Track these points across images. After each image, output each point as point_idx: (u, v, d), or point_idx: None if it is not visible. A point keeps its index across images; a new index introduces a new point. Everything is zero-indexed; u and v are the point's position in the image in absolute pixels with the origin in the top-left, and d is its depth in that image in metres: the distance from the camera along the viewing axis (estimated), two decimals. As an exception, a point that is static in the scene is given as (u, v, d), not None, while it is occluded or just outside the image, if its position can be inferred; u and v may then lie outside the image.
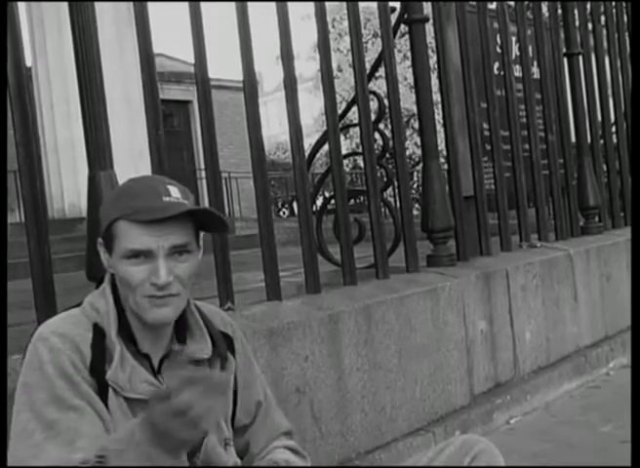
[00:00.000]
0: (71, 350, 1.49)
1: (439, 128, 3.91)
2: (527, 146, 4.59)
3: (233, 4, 2.95)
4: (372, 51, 17.66)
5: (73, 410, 1.45)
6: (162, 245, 1.49)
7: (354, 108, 3.54)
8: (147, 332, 1.58)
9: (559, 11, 5.07)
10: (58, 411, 1.45)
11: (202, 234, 1.61)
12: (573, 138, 5.11)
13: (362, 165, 3.56)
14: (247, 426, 1.76)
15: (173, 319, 1.57)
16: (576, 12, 5.19)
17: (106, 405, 1.50)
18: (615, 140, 5.54)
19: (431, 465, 1.75)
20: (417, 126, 4.05)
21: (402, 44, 17.14)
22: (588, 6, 5.38)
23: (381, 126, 3.74)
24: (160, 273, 1.49)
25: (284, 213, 21.76)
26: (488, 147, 4.30)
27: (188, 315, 1.64)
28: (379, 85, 8.25)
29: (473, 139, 4.07)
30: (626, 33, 5.63)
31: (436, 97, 3.85)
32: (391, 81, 3.60)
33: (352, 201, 3.78)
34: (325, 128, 3.35)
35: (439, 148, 3.91)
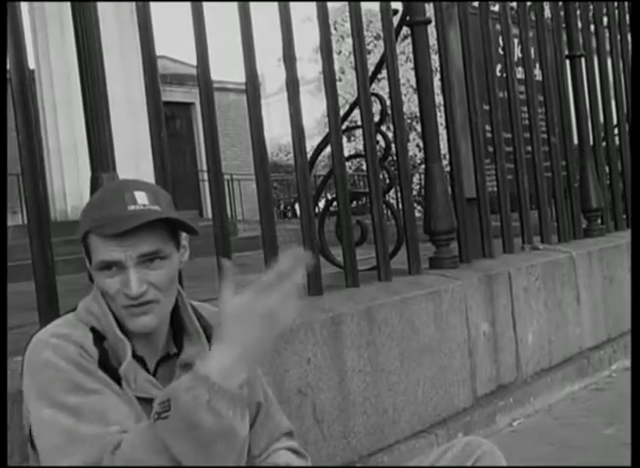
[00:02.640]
0: (76, 348, 1.48)
1: (441, 130, 3.91)
2: (529, 148, 4.59)
3: (235, 6, 2.95)
4: (374, 53, 17.67)
5: (94, 393, 1.44)
6: (130, 255, 1.47)
7: (357, 110, 3.53)
8: (140, 336, 1.57)
9: (561, 12, 5.07)
10: (78, 397, 1.43)
11: (184, 235, 1.60)
12: (575, 140, 5.11)
13: (365, 167, 3.56)
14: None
15: (155, 327, 1.55)
16: (578, 13, 5.19)
17: None
18: (617, 142, 5.54)
19: (435, 466, 1.75)
20: (419, 128, 4.05)
21: (405, 46, 17.14)
22: (591, 8, 5.38)
23: (384, 128, 3.74)
24: (131, 285, 1.48)
25: (286, 214, 21.77)
26: (490, 149, 4.30)
27: (185, 318, 1.63)
28: (381, 86, 8.25)
29: (476, 141, 4.07)
30: (629, 35, 5.62)
31: (438, 98, 3.85)
32: (393, 83, 3.60)
33: (355, 203, 3.77)
34: (327, 130, 3.35)
35: (441, 150, 3.91)
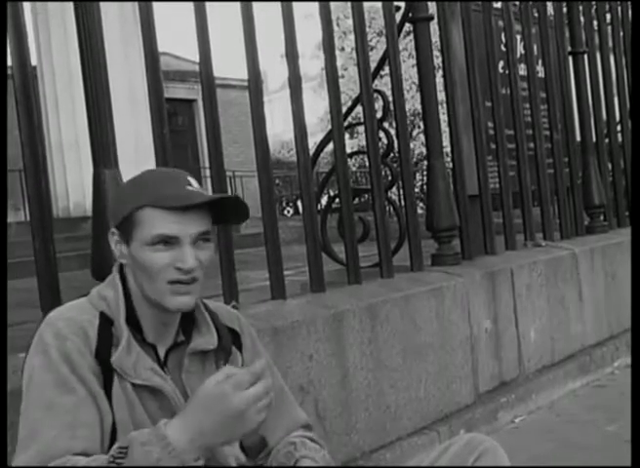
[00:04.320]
0: (77, 335, 1.52)
1: (444, 127, 3.91)
2: (532, 145, 4.58)
3: (238, 2, 2.95)
4: (377, 49, 17.65)
5: (74, 395, 1.48)
6: (189, 232, 1.53)
7: (360, 107, 3.53)
8: (154, 323, 1.60)
9: (564, 9, 5.06)
10: (59, 395, 1.47)
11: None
12: (578, 137, 5.11)
13: (367, 164, 3.55)
14: None
15: (192, 307, 1.59)
16: (581, 10, 5.19)
17: (111, 390, 1.52)
18: (620, 139, 5.53)
19: (435, 465, 1.75)
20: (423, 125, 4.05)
21: (407, 43, 17.12)
22: (593, 4, 5.37)
23: (386, 124, 3.74)
24: (187, 258, 1.52)
25: (288, 211, 21.77)
26: (493, 146, 4.30)
27: (195, 308, 1.66)
28: (384, 82, 8.24)
29: (478, 138, 4.07)
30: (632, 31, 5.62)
31: (441, 95, 3.85)
32: (396, 80, 3.60)
33: (357, 200, 3.77)
34: (330, 127, 3.35)
35: (444, 147, 3.91)
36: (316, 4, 3.28)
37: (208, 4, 2.82)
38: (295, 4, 3.11)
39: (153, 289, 1.55)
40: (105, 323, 1.56)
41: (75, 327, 1.53)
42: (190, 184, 1.56)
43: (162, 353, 1.62)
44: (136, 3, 2.67)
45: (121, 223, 1.57)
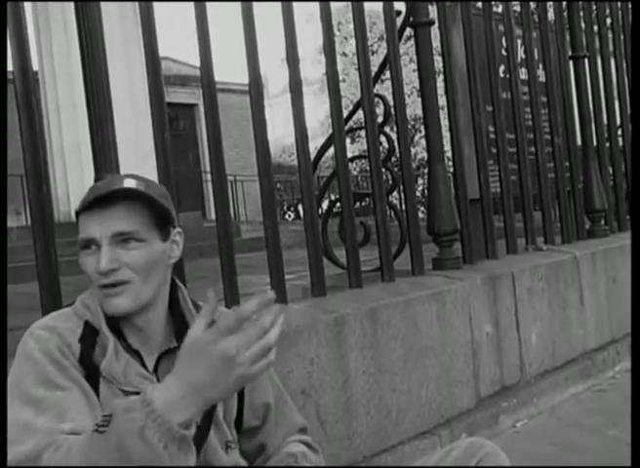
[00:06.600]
0: (59, 341, 1.51)
1: (445, 131, 3.91)
2: (533, 149, 4.59)
3: (239, 6, 2.95)
4: (379, 54, 17.65)
5: (60, 390, 1.46)
6: (104, 233, 1.50)
7: (361, 111, 3.53)
8: (135, 331, 1.59)
9: (565, 13, 5.07)
10: (45, 391, 1.45)
11: (176, 231, 1.62)
12: (579, 141, 5.11)
13: (368, 168, 3.56)
14: (257, 428, 1.77)
15: (129, 309, 1.54)
16: (581, 14, 5.19)
17: (97, 393, 1.51)
18: (621, 143, 5.54)
19: (437, 467, 1.75)
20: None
21: (408, 47, 17.13)
22: (594, 8, 5.38)
23: (387, 129, 3.74)
24: (101, 260, 1.49)
25: (290, 216, 21.78)
26: (494, 150, 4.30)
27: (186, 313, 1.65)
28: (385, 87, 8.24)
29: (479, 142, 4.07)
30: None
31: (442, 100, 3.86)
32: (397, 84, 3.60)
33: (358, 204, 3.77)
34: (331, 131, 3.35)
35: (445, 152, 3.91)
36: (317, 6, 3.28)
37: (209, 6, 2.82)
38: (295, 9, 3.11)
39: (97, 294, 1.55)
40: (89, 332, 1.54)
41: (56, 335, 1.52)
42: (122, 185, 1.52)
43: (151, 360, 1.59)
44: (136, 5, 2.67)
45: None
